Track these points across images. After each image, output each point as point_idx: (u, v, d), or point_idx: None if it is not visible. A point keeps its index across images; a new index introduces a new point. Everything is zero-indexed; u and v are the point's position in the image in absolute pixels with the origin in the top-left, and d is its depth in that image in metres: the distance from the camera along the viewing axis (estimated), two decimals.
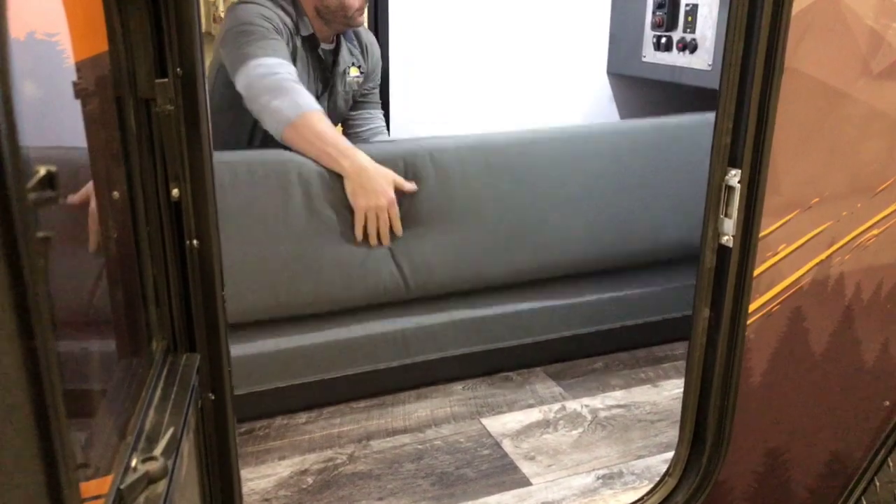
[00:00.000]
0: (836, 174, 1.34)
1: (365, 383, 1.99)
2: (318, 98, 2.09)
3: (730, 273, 1.32)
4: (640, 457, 1.78)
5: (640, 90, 3.03)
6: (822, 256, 1.37)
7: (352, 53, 2.24)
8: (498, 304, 2.10)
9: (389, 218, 1.87)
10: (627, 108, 3.05)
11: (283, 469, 1.72)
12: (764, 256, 1.32)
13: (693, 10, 2.50)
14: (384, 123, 2.45)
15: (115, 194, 0.90)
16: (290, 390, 1.90)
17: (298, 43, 2.06)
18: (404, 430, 1.88)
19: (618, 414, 1.97)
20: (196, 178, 1.00)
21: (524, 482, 1.69)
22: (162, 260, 1.01)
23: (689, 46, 2.52)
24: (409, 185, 1.89)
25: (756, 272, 1.32)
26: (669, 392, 2.06)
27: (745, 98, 1.24)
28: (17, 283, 0.45)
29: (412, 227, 1.93)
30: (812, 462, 1.54)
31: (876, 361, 1.48)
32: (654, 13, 2.66)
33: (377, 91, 2.41)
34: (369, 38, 2.33)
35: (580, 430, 1.90)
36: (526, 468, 1.74)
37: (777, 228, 1.31)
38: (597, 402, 2.02)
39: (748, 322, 1.35)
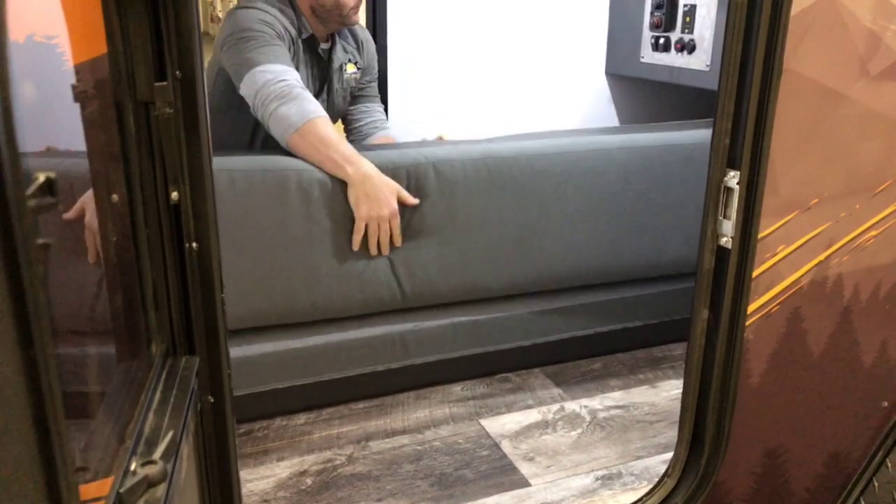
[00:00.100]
0: (834, 175, 1.34)
1: (364, 384, 1.99)
2: (316, 97, 2.08)
3: (729, 274, 1.32)
4: (638, 458, 1.78)
5: (639, 91, 3.03)
6: (821, 257, 1.37)
7: (346, 50, 2.24)
8: (497, 307, 2.10)
9: (390, 228, 1.84)
10: (626, 108, 3.05)
11: (281, 470, 1.72)
12: (763, 257, 1.32)
13: (691, 11, 2.50)
14: (384, 116, 2.43)
15: (115, 197, 0.90)
16: (289, 391, 1.90)
17: (300, 45, 2.06)
18: (403, 432, 1.88)
19: (616, 415, 1.97)
20: (195, 180, 1.00)
21: (523, 483, 1.69)
22: (161, 263, 1.01)
23: (688, 47, 2.52)
24: (413, 200, 1.86)
25: (755, 273, 1.32)
26: (668, 393, 2.07)
27: (743, 99, 1.24)
28: (16, 290, 0.44)
29: (412, 238, 1.91)
30: (811, 463, 1.54)
31: (874, 362, 1.49)
32: (652, 14, 2.65)
33: (375, 84, 2.40)
34: (364, 34, 2.33)
35: (579, 431, 1.90)
36: (525, 469, 1.74)
37: (776, 229, 1.31)
38: (595, 403, 2.03)
39: (747, 323, 1.35)
